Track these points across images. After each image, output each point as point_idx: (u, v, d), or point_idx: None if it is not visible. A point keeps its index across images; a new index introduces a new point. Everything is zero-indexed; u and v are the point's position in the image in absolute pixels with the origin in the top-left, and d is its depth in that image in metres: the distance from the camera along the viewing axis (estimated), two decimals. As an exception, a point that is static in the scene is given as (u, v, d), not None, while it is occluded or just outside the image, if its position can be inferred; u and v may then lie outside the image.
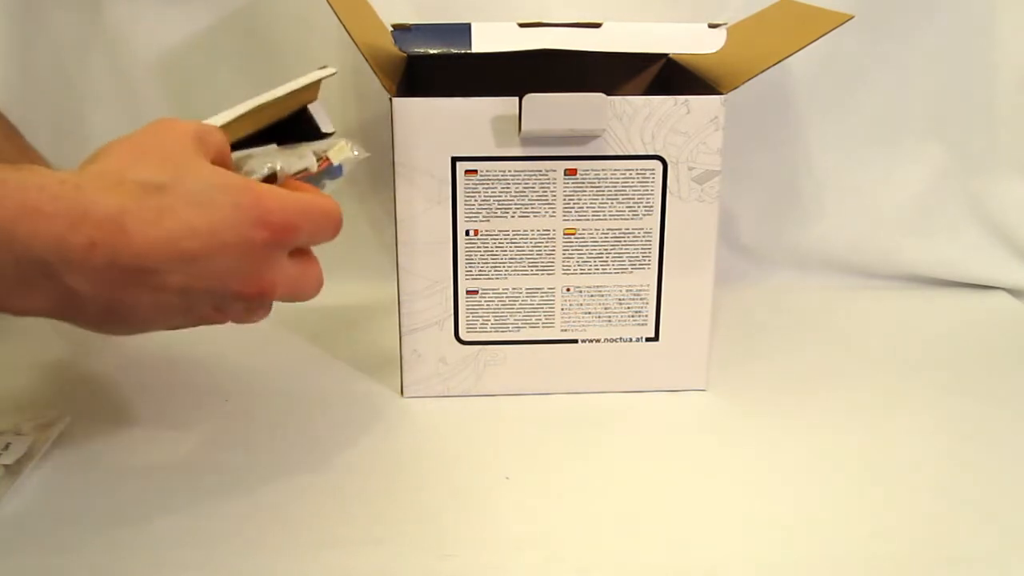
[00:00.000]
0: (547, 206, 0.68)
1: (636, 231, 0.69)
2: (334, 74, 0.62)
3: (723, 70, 0.70)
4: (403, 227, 0.68)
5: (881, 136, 0.93)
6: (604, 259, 0.69)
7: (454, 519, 0.58)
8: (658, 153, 0.67)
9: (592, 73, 0.78)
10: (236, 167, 0.53)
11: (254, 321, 0.50)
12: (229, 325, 0.51)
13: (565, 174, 0.67)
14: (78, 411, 0.67)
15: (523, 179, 0.67)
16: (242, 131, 0.55)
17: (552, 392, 0.72)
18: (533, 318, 0.70)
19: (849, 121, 0.93)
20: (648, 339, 0.71)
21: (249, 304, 0.48)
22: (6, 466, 0.59)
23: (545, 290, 0.70)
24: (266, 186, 0.47)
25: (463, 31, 0.66)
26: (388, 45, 0.67)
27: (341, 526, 0.57)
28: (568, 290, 0.70)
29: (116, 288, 0.43)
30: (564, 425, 0.68)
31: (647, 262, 0.70)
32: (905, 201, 0.94)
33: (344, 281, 0.72)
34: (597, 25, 0.68)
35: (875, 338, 0.84)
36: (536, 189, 0.67)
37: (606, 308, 0.70)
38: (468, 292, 0.69)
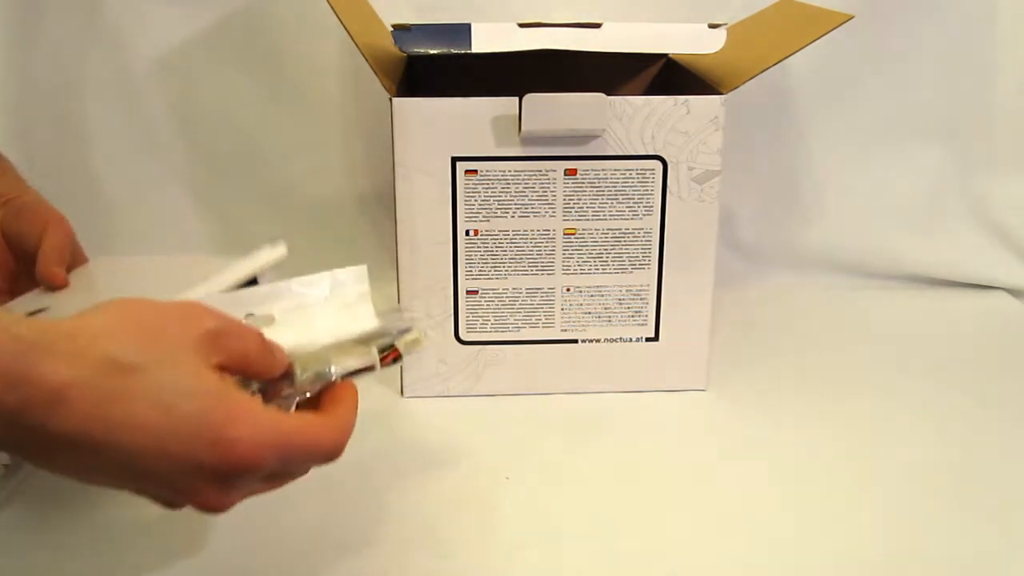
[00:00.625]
0: (547, 206, 0.68)
1: (636, 231, 0.69)
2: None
3: (723, 70, 0.70)
4: (403, 227, 0.68)
5: (881, 136, 0.93)
6: (604, 259, 0.69)
7: (454, 519, 0.58)
8: (658, 153, 0.67)
9: (592, 73, 0.78)
10: (291, 359, 0.47)
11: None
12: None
13: (565, 174, 0.67)
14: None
15: (523, 179, 0.67)
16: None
17: (552, 392, 0.72)
18: (533, 318, 0.70)
19: (849, 121, 0.93)
20: (648, 339, 0.71)
21: (221, 493, 0.42)
22: (6, 466, 0.59)
23: (545, 290, 0.70)
24: (251, 407, 0.41)
25: (463, 31, 0.66)
26: (388, 45, 0.67)
27: (340, 526, 0.57)
28: (568, 290, 0.70)
29: (44, 451, 0.39)
30: (564, 425, 0.68)
31: (647, 262, 0.70)
32: (905, 201, 0.94)
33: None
34: (597, 25, 0.68)
35: (875, 338, 0.84)
36: (536, 189, 0.67)
37: (606, 308, 0.70)
38: (468, 292, 0.69)
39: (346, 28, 0.65)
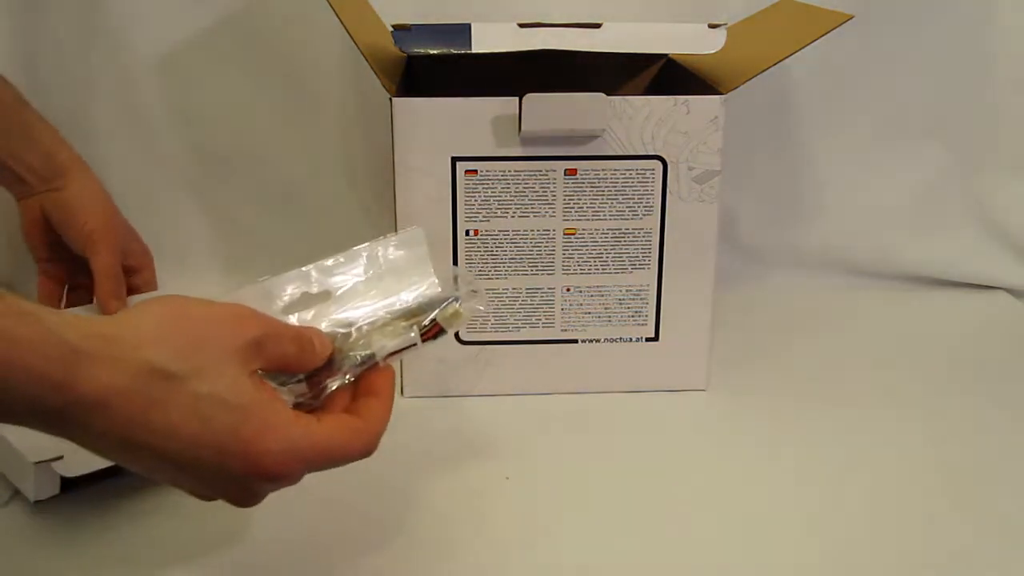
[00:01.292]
0: (547, 206, 0.68)
1: (636, 231, 0.69)
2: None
3: (723, 70, 0.70)
4: (403, 227, 0.68)
5: (881, 136, 0.93)
6: (604, 259, 0.69)
7: (454, 519, 0.58)
8: (658, 153, 0.67)
9: (592, 73, 0.78)
10: (331, 338, 0.48)
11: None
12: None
13: (565, 174, 0.67)
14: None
15: (523, 179, 0.67)
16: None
17: (552, 392, 0.72)
18: (533, 318, 0.70)
19: (849, 121, 0.93)
20: (648, 339, 0.71)
21: (259, 494, 0.45)
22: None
23: (545, 290, 0.70)
24: (283, 421, 0.43)
25: (463, 31, 0.66)
26: (388, 45, 0.67)
27: (341, 526, 0.57)
28: (568, 290, 0.70)
29: (89, 444, 0.41)
30: (564, 425, 0.68)
31: (647, 262, 0.69)
32: (905, 201, 0.94)
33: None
34: (597, 25, 0.68)
35: (875, 338, 0.84)
36: (536, 189, 0.67)
37: (606, 308, 0.70)
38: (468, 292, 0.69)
39: (346, 28, 0.65)
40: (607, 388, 0.72)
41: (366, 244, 0.53)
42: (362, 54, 0.65)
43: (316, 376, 0.47)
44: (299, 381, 0.47)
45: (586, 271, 0.69)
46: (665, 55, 0.83)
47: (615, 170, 0.67)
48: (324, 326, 0.50)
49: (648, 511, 0.59)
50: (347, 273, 0.52)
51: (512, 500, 0.60)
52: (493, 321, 0.70)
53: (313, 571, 0.53)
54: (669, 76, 0.83)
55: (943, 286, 0.94)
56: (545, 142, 0.66)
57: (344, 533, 0.56)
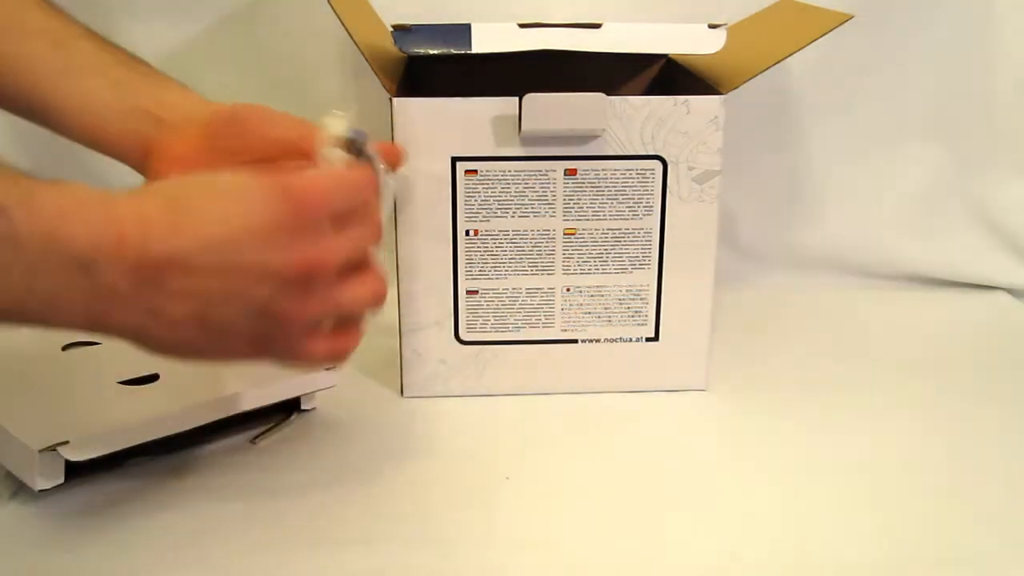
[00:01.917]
0: (547, 206, 0.68)
1: (636, 231, 0.69)
2: None
3: (723, 70, 0.70)
4: (403, 227, 0.68)
5: (881, 136, 0.93)
6: (604, 259, 0.69)
7: (454, 519, 0.58)
8: (658, 153, 0.67)
9: (592, 73, 0.78)
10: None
11: (321, 339, 0.47)
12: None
13: (565, 174, 0.67)
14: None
15: (523, 179, 0.67)
16: None
17: (552, 392, 0.72)
18: (533, 318, 0.70)
19: (849, 121, 0.93)
20: (648, 339, 0.71)
21: (303, 298, 0.45)
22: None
23: (545, 290, 0.70)
24: (292, 173, 0.45)
25: (463, 31, 0.66)
26: (388, 45, 0.67)
27: (341, 526, 0.57)
28: (568, 290, 0.70)
29: (151, 289, 0.42)
30: (564, 425, 0.68)
31: (647, 262, 0.70)
32: (905, 201, 0.94)
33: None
34: (597, 25, 0.68)
35: (875, 338, 0.84)
36: (536, 189, 0.67)
37: (606, 308, 0.70)
38: (468, 292, 0.69)
39: (346, 28, 0.65)
40: (607, 388, 0.72)
41: None
42: (362, 54, 0.65)
43: None
44: None
45: (586, 271, 0.69)
46: (665, 55, 0.83)
47: (615, 170, 0.67)
48: None
49: (648, 511, 0.59)
50: None
51: (512, 500, 0.60)
52: (493, 321, 0.70)
53: (311, 570, 0.53)
54: (669, 76, 0.83)
55: (943, 286, 0.94)
56: (545, 142, 0.66)
57: (344, 533, 0.56)
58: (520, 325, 0.70)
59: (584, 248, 0.69)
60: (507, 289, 0.69)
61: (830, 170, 0.94)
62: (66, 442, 0.55)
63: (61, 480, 0.56)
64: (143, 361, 0.57)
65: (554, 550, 0.55)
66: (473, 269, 0.69)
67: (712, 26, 0.67)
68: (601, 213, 0.68)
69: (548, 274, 0.69)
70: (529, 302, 0.70)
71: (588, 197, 0.68)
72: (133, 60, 0.61)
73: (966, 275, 0.94)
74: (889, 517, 0.58)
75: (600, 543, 0.56)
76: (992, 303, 0.92)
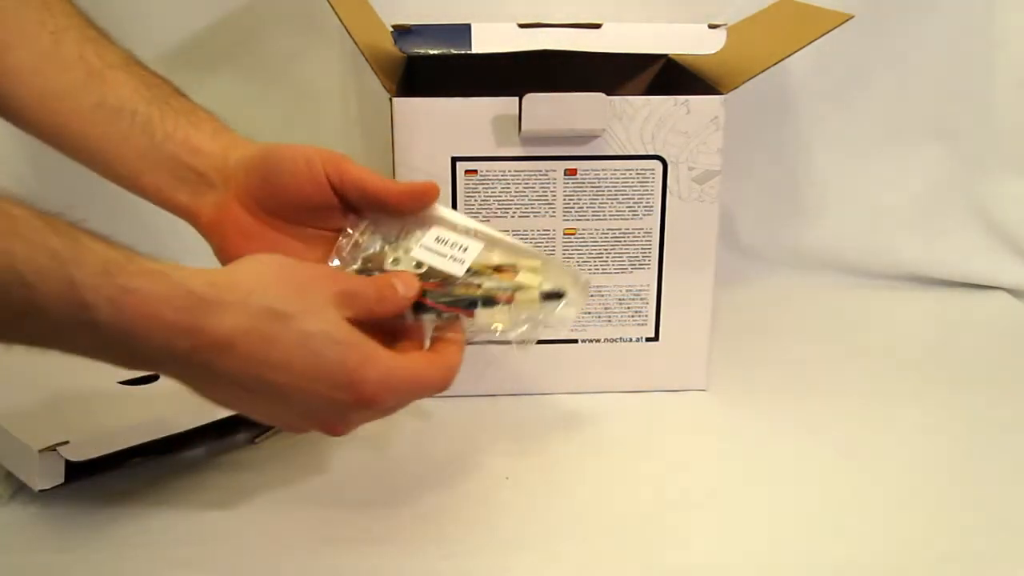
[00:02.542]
0: (547, 206, 0.68)
1: (636, 231, 0.69)
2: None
3: (723, 70, 0.70)
4: (403, 227, 0.68)
5: (881, 136, 0.93)
6: (604, 259, 0.69)
7: (454, 519, 0.58)
8: (658, 153, 0.67)
9: (592, 73, 0.78)
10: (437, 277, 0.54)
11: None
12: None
13: (565, 174, 0.67)
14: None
15: (523, 179, 0.67)
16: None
17: (552, 392, 0.72)
18: (533, 318, 0.70)
19: (849, 121, 0.93)
20: (648, 339, 0.71)
21: (351, 420, 0.50)
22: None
23: (545, 290, 0.69)
24: (379, 354, 0.48)
25: (463, 31, 0.66)
26: (388, 45, 0.67)
27: (341, 526, 0.57)
28: (568, 290, 0.70)
29: (206, 385, 0.46)
30: (564, 425, 0.68)
31: (647, 262, 0.69)
32: (905, 201, 0.94)
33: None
34: (597, 25, 0.68)
35: (875, 338, 0.84)
36: (536, 189, 0.67)
37: (606, 308, 0.70)
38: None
39: (346, 28, 0.65)
40: (607, 388, 0.72)
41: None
42: (362, 54, 0.65)
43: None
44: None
45: (586, 271, 0.69)
46: (665, 55, 0.83)
47: (615, 170, 0.67)
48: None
49: (647, 511, 0.59)
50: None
51: (512, 500, 0.60)
52: (493, 321, 0.70)
53: (311, 570, 0.53)
54: (669, 76, 0.83)
55: (943, 286, 0.94)
56: (545, 142, 0.66)
57: (343, 532, 0.56)
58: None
59: (584, 248, 0.69)
60: (507, 289, 0.69)
61: (830, 170, 0.94)
62: (66, 442, 0.55)
63: (61, 480, 0.56)
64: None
65: (554, 550, 0.55)
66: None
67: (712, 26, 0.67)
68: (601, 213, 0.68)
69: (548, 274, 0.69)
70: (529, 302, 0.70)
71: (588, 197, 0.68)
72: (163, 87, 0.60)
73: (966, 275, 0.94)
74: (889, 517, 0.58)
75: (600, 543, 0.56)
76: (992, 303, 0.92)
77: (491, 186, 0.67)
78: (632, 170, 0.67)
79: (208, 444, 0.64)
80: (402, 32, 0.66)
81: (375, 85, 0.67)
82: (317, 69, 0.89)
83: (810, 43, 0.65)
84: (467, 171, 0.67)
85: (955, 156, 0.93)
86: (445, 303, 0.52)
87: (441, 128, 0.65)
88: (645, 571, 0.54)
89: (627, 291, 0.70)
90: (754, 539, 0.56)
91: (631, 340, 0.71)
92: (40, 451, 0.55)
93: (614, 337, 0.71)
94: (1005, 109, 0.92)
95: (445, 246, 0.55)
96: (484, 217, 0.68)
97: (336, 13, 0.65)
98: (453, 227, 0.55)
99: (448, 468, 0.63)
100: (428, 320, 0.52)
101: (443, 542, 0.56)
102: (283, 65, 0.89)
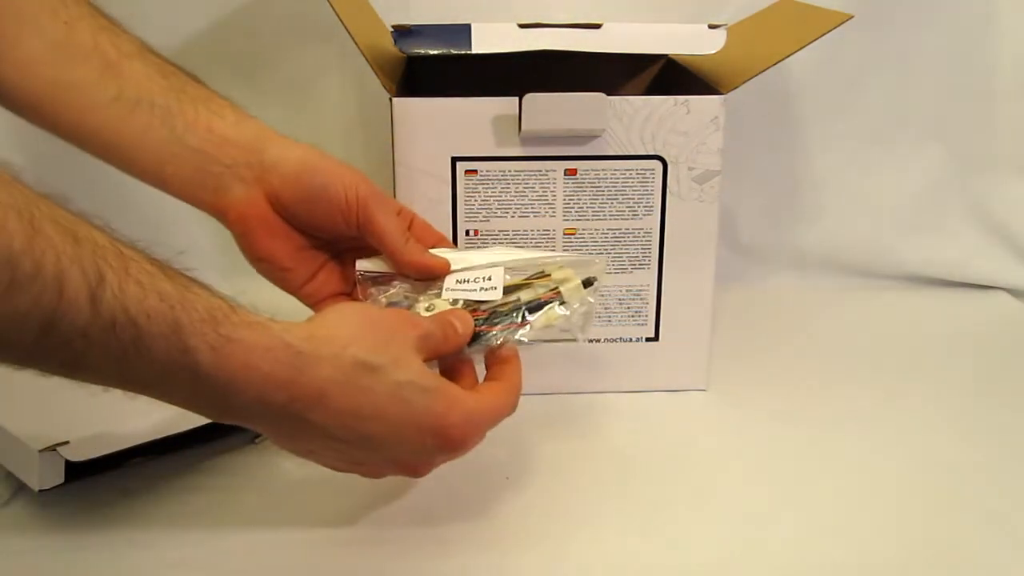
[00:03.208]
0: (547, 206, 0.68)
1: (636, 231, 0.69)
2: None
3: (723, 70, 0.70)
4: (403, 227, 0.67)
5: (881, 136, 0.93)
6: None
7: (454, 519, 0.58)
8: (658, 153, 0.67)
9: (592, 73, 0.78)
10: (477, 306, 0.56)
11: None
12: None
13: (565, 174, 0.67)
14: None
15: (523, 179, 0.67)
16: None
17: (552, 392, 0.72)
18: (533, 318, 0.70)
19: (849, 121, 0.93)
20: (648, 339, 0.71)
21: (433, 462, 0.52)
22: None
23: (545, 290, 0.69)
24: (459, 396, 0.50)
25: (463, 32, 0.66)
26: (388, 45, 0.67)
27: (341, 526, 0.57)
28: (568, 290, 0.70)
29: (297, 436, 0.48)
30: (564, 425, 0.68)
31: (647, 262, 0.69)
32: (905, 201, 0.94)
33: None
34: (597, 26, 0.68)
35: (875, 338, 0.84)
36: (536, 189, 0.67)
37: (606, 308, 0.70)
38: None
39: (346, 28, 0.65)
40: (607, 388, 0.72)
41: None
42: (362, 54, 0.65)
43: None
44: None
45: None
46: (665, 55, 0.83)
47: (615, 170, 0.67)
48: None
49: (647, 511, 0.59)
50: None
51: (512, 500, 0.60)
52: (493, 321, 0.70)
53: (311, 570, 0.53)
54: (669, 76, 0.83)
55: (943, 286, 0.94)
56: (545, 142, 0.66)
57: (344, 533, 0.56)
58: (520, 325, 0.70)
59: (584, 248, 0.69)
60: (507, 289, 0.69)
61: (830, 170, 0.94)
62: (66, 442, 0.55)
63: (61, 480, 0.56)
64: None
65: (554, 550, 0.55)
66: (473, 269, 0.68)
67: (712, 26, 0.67)
68: (601, 213, 0.68)
69: (548, 274, 0.69)
70: (529, 302, 0.70)
71: (588, 197, 0.68)
72: (178, 75, 0.57)
73: (966, 275, 0.94)
74: (889, 517, 0.58)
75: (600, 543, 0.56)
76: (992, 303, 0.92)
77: (491, 186, 0.67)
78: (632, 170, 0.67)
79: (208, 444, 0.64)
80: (402, 32, 0.66)
81: (375, 85, 0.67)
82: (317, 69, 0.89)
83: (810, 43, 0.65)
84: (467, 171, 0.67)
85: (955, 156, 0.93)
86: (500, 324, 0.55)
87: (441, 128, 0.65)
88: (645, 571, 0.54)
89: (627, 291, 0.70)
90: (754, 539, 0.56)
91: (631, 340, 0.71)
92: (40, 451, 0.55)
93: (614, 337, 0.71)
94: (1005, 110, 0.92)
95: (469, 283, 0.57)
96: (484, 217, 0.68)
97: (336, 13, 0.65)
98: (469, 267, 0.57)
99: (448, 468, 0.63)
100: (476, 352, 0.55)
101: (443, 542, 0.56)
102: (283, 65, 0.89)
